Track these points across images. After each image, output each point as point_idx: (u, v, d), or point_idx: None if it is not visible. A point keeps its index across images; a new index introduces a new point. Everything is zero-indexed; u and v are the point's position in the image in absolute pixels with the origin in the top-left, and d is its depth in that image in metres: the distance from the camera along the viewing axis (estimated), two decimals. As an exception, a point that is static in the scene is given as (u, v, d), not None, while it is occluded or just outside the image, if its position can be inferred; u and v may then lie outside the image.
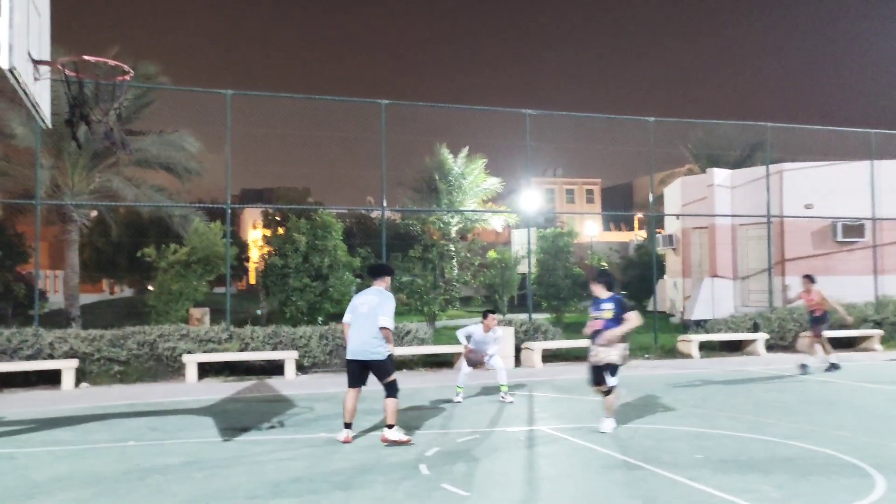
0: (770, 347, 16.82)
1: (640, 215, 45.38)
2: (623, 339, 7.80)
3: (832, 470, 6.29)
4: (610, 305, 7.80)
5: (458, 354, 14.47)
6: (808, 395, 10.78)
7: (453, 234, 25.32)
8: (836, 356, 13.59)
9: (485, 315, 10.35)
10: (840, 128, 19.58)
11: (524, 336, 15.37)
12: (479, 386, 11.40)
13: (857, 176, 19.50)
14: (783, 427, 8.16)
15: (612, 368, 7.80)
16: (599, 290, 7.97)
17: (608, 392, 7.90)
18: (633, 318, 7.70)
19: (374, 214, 25.75)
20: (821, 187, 19.84)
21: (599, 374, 7.86)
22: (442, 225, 24.50)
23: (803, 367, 13.07)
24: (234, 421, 8.81)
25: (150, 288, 19.21)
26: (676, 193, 23.97)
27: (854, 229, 19.48)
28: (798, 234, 20.00)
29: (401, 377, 9.43)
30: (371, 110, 15.39)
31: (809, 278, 13.62)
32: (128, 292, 43.04)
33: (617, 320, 7.72)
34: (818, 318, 13.37)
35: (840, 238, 19.54)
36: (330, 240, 17.36)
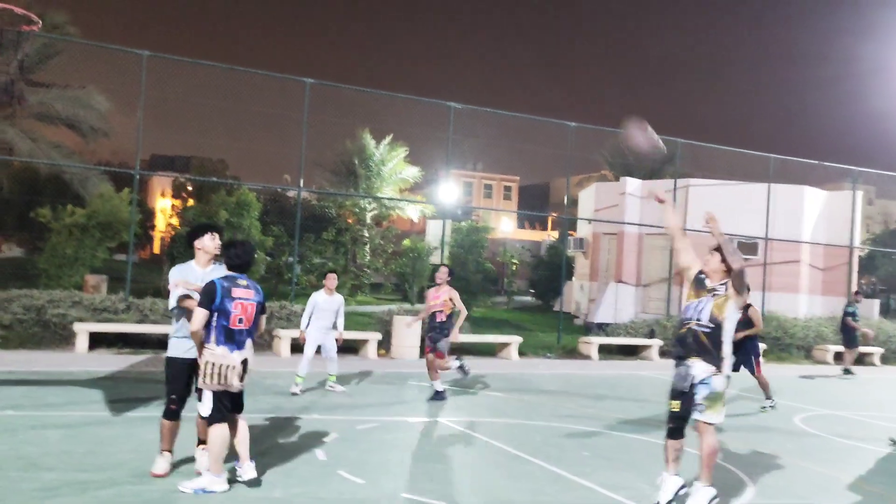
0: (663, 354, 17.56)
1: (553, 216, 46.38)
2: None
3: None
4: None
5: (364, 341, 14.47)
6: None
7: (368, 220, 25.18)
8: None
9: (325, 276, 9.87)
10: (744, 150, 20.63)
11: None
12: (386, 374, 11.41)
13: (755, 197, 20.57)
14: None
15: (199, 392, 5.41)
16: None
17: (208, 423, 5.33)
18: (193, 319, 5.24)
19: (290, 194, 25.27)
20: (722, 204, 20.81)
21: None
22: (358, 210, 24.33)
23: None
24: (123, 395, 8.49)
25: (41, 250, 18.24)
26: (590, 198, 24.65)
27: (749, 247, 20.55)
28: (698, 248, 20.73)
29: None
30: (295, 88, 15.11)
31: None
32: (16, 252, 40.63)
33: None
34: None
35: (736, 254, 20.57)
36: (246, 217, 16.99)
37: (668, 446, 5.43)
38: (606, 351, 17.11)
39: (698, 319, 5.37)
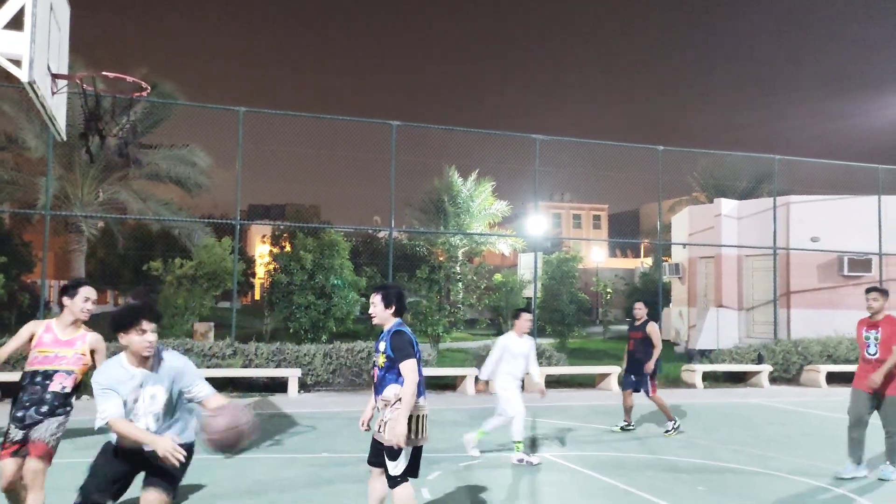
0: (773, 380, 16.74)
1: (646, 242, 45.42)
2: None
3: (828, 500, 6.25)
4: (383, 346, 4.74)
5: (462, 377, 14.49)
6: (808, 428, 10.72)
7: (460, 257, 25.36)
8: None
9: (516, 314, 8.07)
10: (847, 162, 19.65)
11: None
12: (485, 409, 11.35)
13: (864, 210, 19.49)
14: (786, 461, 8.12)
15: (391, 450, 4.60)
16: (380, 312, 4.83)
17: (392, 484, 4.64)
18: (409, 373, 4.59)
19: (381, 234, 25.85)
20: (827, 221, 19.86)
21: (378, 453, 4.74)
22: (449, 247, 24.55)
23: None
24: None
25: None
26: (684, 222, 24.00)
27: (860, 263, 19.44)
28: (804, 267, 19.98)
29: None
30: (381, 131, 15.52)
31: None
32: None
33: (395, 371, 4.66)
34: None
35: (846, 272, 19.51)
36: (336, 258, 17.43)
37: None
38: (711, 379, 16.47)
39: None
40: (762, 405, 13.18)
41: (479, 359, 14.95)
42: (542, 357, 15.59)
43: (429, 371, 14.37)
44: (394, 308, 4.75)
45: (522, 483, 6.95)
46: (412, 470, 4.67)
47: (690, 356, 20.30)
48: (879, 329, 7.15)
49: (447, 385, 14.72)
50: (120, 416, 3.79)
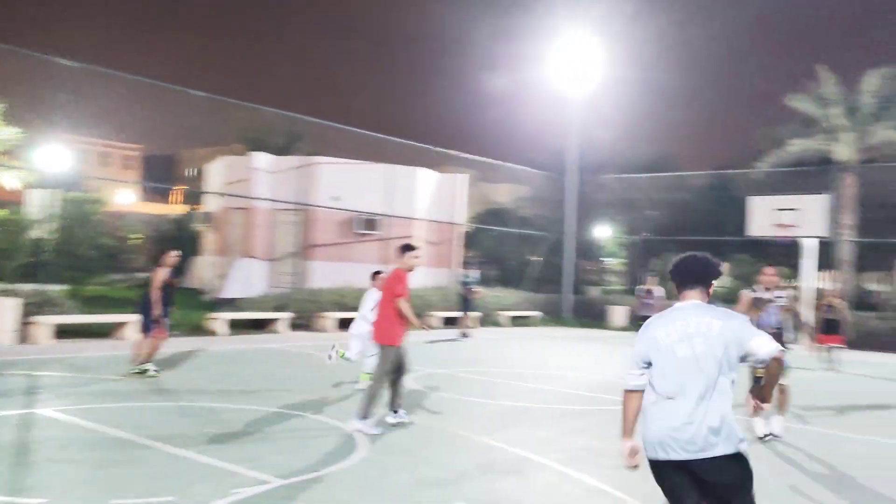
0: (294, 327, 17.99)
1: (179, 189, 44.14)
2: None
3: (325, 434, 7.06)
4: None
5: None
6: (317, 372, 11.84)
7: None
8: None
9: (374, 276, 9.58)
10: (366, 131, 21.99)
11: (34, 309, 13.64)
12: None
13: (376, 176, 22.17)
14: (290, 399, 8.84)
15: None
16: None
17: None
18: None
19: None
20: (347, 182, 22.03)
21: None
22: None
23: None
24: None
25: None
26: (220, 172, 24.04)
27: (370, 223, 22.10)
28: (325, 223, 21.88)
29: None
30: None
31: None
32: None
33: None
34: None
35: (358, 230, 21.99)
36: None
37: None
38: (237, 326, 16.96)
39: None
40: (279, 349, 14.08)
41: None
42: (50, 304, 14.06)
43: None
44: None
45: (8, 441, 6.19)
46: None
47: (218, 304, 20.56)
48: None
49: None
50: None
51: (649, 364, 3.45)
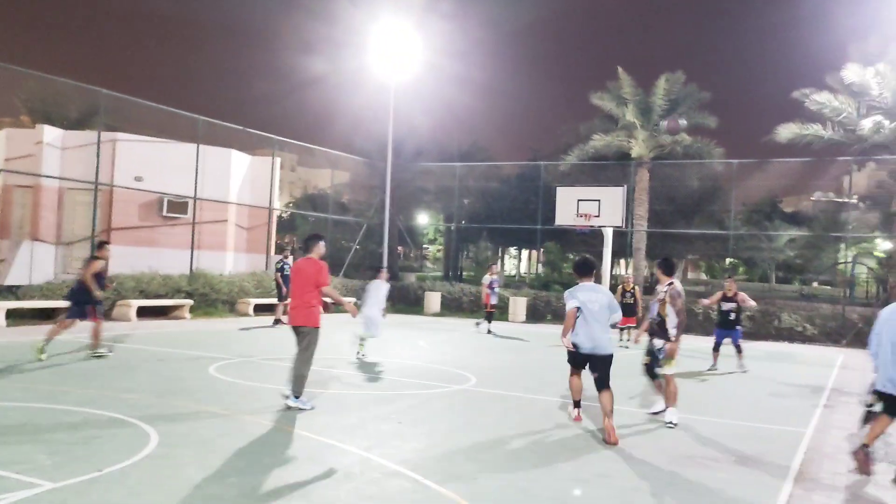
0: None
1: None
2: None
3: (112, 431, 6.52)
4: None
5: None
6: (110, 362, 10.96)
7: None
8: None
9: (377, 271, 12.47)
10: (173, 109, 20.63)
11: None
12: None
13: (185, 156, 20.88)
14: (77, 394, 8.10)
15: None
16: None
17: None
18: None
19: None
20: (152, 162, 20.59)
21: None
22: None
23: None
24: None
25: None
26: (0, 146, 21.49)
27: (178, 205, 20.82)
28: (126, 204, 20.31)
29: None
30: None
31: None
32: None
33: None
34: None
35: (165, 213, 20.63)
36: None
37: None
38: (17, 316, 15.30)
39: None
40: (66, 341, 12.85)
41: None
42: None
43: None
44: None
45: None
46: None
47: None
48: None
49: None
50: None
51: (580, 308, 7.21)
